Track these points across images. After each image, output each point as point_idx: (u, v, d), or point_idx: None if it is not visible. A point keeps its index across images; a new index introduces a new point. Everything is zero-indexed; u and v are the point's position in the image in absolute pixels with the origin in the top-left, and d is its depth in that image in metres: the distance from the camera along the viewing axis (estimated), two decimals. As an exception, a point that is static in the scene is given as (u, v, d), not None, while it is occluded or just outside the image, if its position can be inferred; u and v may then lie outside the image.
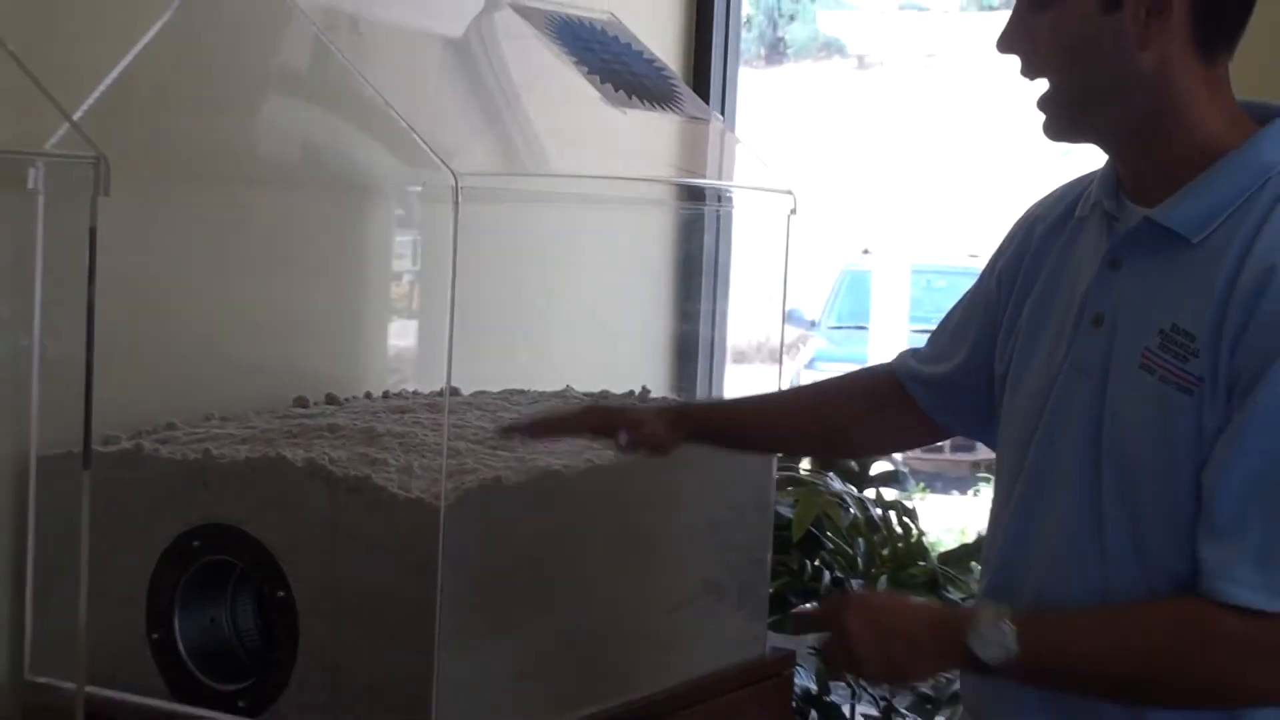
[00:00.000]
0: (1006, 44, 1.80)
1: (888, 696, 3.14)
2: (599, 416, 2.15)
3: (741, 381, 3.38)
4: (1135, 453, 1.72)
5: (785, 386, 2.81)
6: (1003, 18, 1.86)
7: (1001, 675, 1.70)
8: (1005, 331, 1.95)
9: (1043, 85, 1.78)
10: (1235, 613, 1.61)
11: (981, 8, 10.31)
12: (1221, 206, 1.70)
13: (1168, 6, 1.69)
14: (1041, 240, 1.92)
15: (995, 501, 1.95)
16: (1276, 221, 1.66)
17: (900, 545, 3.14)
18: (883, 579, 3.03)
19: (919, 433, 2.13)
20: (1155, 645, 1.68)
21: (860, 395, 2.17)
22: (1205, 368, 1.65)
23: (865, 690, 3.14)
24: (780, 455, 2.26)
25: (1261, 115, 1.76)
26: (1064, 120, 1.79)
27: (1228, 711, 1.70)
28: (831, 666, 1.95)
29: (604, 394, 2.78)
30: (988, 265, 2.02)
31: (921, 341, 2.14)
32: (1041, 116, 1.79)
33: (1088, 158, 1.93)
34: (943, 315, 2.11)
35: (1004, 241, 2.00)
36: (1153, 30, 1.70)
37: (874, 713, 3.15)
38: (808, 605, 2.06)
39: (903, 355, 2.11)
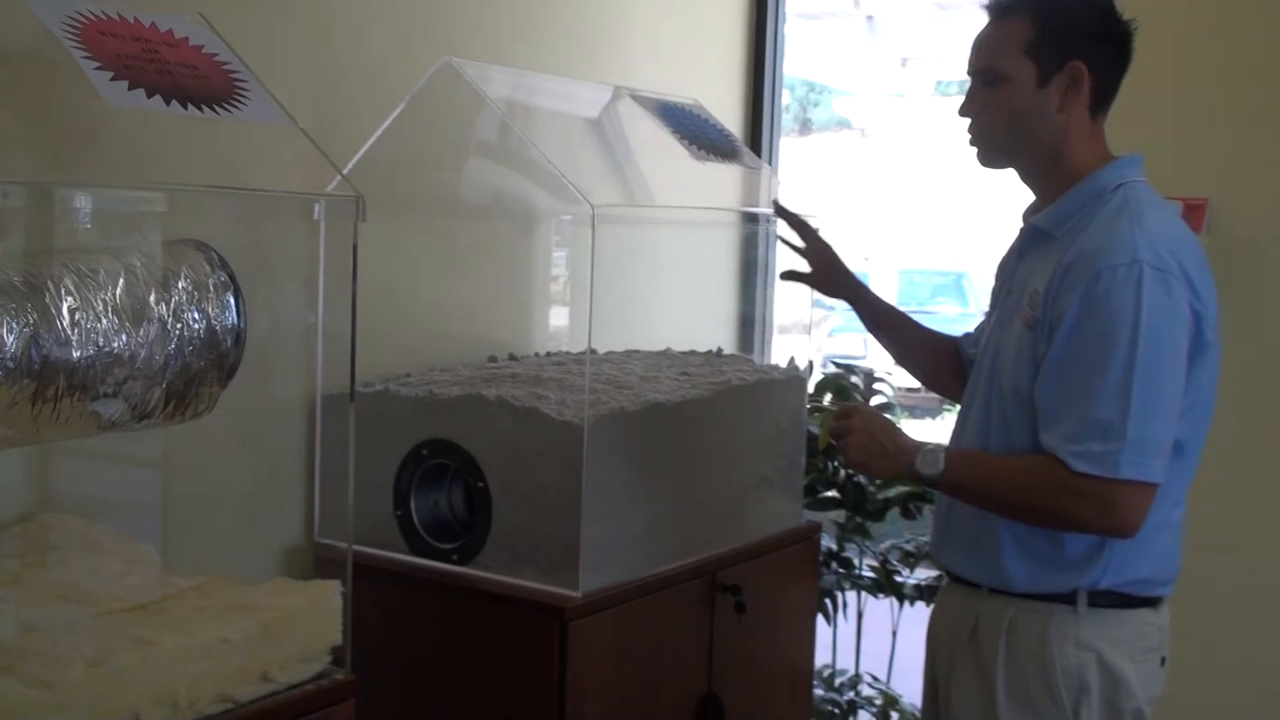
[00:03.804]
0: (965, 109, 1.81)
1: (883, 553, 3.08)
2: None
3: (783, 346, 3.34)
4: (1005, 373, 1.78)
5: (815, 352, 2.78)
6: (958, 99, 1.84)
7: (934, 485, 1.78)
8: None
9: (973, 125, 1.79)
10: (1069, 471, 1.65)
11: (943, 95, 10.17)
12: (1072, 213, 1.75)
13: (1081, 84, 1.73)
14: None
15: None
16: (1096, 222, 1.71)
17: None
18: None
19: (952, 380, 2.09)
20: (1025, 480, 1.71)
21: (941, 343, 2.14)
22: (1041, 314, 1.71)
23: (869, 550, 3.10)
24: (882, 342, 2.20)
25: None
26: (993, 155, 1.81)
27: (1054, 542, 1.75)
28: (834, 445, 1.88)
29: (692, 352, 2.74)
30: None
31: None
32: (973, 150, 1.81)
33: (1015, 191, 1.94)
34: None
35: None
36: (1068, 99, 1.74)
37: (874, 563, 3.11)
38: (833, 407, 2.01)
39: (962, 337, 2.12)
